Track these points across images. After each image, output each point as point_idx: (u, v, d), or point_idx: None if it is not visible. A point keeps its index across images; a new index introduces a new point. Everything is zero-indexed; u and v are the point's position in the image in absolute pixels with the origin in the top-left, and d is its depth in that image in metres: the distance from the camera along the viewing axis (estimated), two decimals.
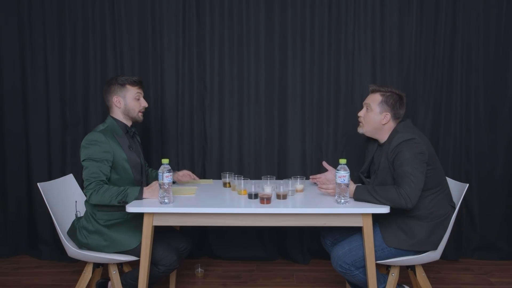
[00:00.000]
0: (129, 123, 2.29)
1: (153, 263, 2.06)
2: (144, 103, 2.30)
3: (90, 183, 2.03)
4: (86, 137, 2.13)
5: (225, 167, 2.97)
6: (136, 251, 2.06)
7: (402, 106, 2.11)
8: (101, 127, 2.19)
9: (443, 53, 2.92)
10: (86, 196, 2.06)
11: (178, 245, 2.27)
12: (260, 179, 2.31)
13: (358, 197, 1.99)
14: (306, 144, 2.99)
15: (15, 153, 3.05)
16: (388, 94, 2.09)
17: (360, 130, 2.19)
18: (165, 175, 1.91)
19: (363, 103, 2.18)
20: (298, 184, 2.25)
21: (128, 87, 2.24)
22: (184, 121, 2.99)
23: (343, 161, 1.93)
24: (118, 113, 2.25)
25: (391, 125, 2.11)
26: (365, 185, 2.07)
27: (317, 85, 2.97)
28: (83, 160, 2.08)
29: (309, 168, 2.99)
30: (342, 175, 1.90)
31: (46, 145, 3.02)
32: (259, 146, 3.00)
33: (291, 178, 2.26)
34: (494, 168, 2.99)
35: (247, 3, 2.92)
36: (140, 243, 2.05)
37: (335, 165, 2.09)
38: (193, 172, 3.00)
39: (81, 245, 2.12)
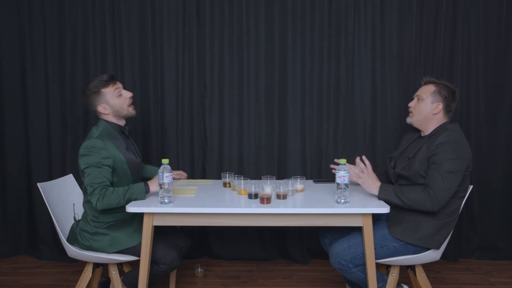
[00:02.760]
0: (122, 123, 2.23)
1: (154, 262, 2.06)
2: (128, 94, 2.21)
3: (94, 189, 1.99)
4: (84, 144, 2.05)
5: (225, 167, 2.97)
6: (137, 250, 2.06)
7: (454, 100, 2.11)
8: (96, 131, 2.10)
9: (443, 53, 2.92)
10: (92, 202, 2.01)
11: (178, 242, 2.26)
12: (260, 179, 2.31)
13: (382, 195, 1.99)
14: (306, 144, 2.99)
15: (15, 153, 3.05)
16: (441, 85, 2.10)
17: (409, 120, 2.18)
18: (165, 175, 1.91)
19: (414, 95, 2.18)
20: (298, 184, 2.25)
21: (103, 90, 2.13)
22: (184, 121, 2.99)
23: (343, 161, 1.93)
24: (109, 117, 2.18)
25: (440, 118, 2.10)
26: (390, 185, 2.05)
27: (317, 85, 2.97)
28: (84, 168, 2.03)
29: (309, 168, 2.99)
30: (342, 175, 1.90)
31: (46, 145, 3.02)
32: (259, 146, 3.00)
33: (291, 178, 2.26)
34: (494, 168, 2.99)
35: (247, 2, 2.92)
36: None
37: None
38: (193, 172, 3.02)
39: (83, 248, 2.12)
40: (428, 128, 2.12)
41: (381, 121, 2.95)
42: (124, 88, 2.24)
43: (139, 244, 2.05)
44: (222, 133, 3.00)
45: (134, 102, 2.94)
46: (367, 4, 2.90)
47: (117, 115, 2.19)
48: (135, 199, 2.01)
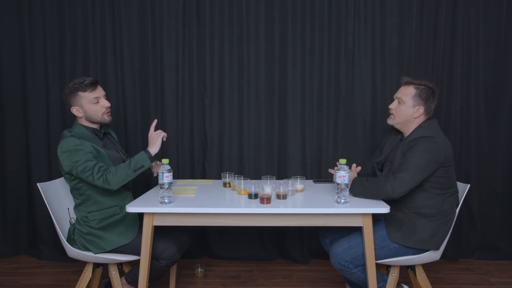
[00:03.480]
0: (96, 127, 2.17)
1: (154, 258, 2.07)
2: (106, 104, 2.12)
3: (92, 173, 1.95)
4: (60, 146, 2.00)
5: (225, 167, 2.97)
6: (134, 249, 2.06)
7: (434, 100, 2.10)
8: (68, 133, 2.06)
9: (443, 53, 2.92)
10: (105, 186, 1.97)
11: (178, 238, 2.26)
12: (260, 179, 2.31)
13: (352, 187, 2.05)
14: (306, 144, 2.99)
15: (15, 153, 3.05)
16: (422, 87, 2.08)
17: (390, 121, 2.17)
18: (165, 175, 1.91)
19: (394, 96, 2.17)
20: (298, 184, 2.25)
21: (81, 94, 2.06)
22: (184, 121, 2.99)
23: (343, 161, 1.93)
24: (81, 120, 2.13)
25: (421, 119, 2.10)
26: (361, 177, 2.10)
27: (317, 85, 2.97)
28: (70, 168, 1.99)
29: (309, 168, 2.99)
30: (342, 175, 1.90)
31: (46, 145, 3.02)
32: (259, 146, 3.00)
33: (291, 178, 2.26)
34: (494, 168, 2.99)
35: (247, 2, 2.92)
36: (137, 236, 2.08)
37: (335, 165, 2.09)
38: (193, 172, 3.02)
39: (81, 248, 2.12)
40: (409, 130, 2.12)
41: (381, 121, 2.95)
42: (106, 97, 2.16)
43: (132, 241, 2.08)
44: (222, 133, 3.00)
45: (134, 103, 2.99)
46: (367, 4, 2.90)
47: (90, 120, 2.13)
48: (142, 167, 2.02)
